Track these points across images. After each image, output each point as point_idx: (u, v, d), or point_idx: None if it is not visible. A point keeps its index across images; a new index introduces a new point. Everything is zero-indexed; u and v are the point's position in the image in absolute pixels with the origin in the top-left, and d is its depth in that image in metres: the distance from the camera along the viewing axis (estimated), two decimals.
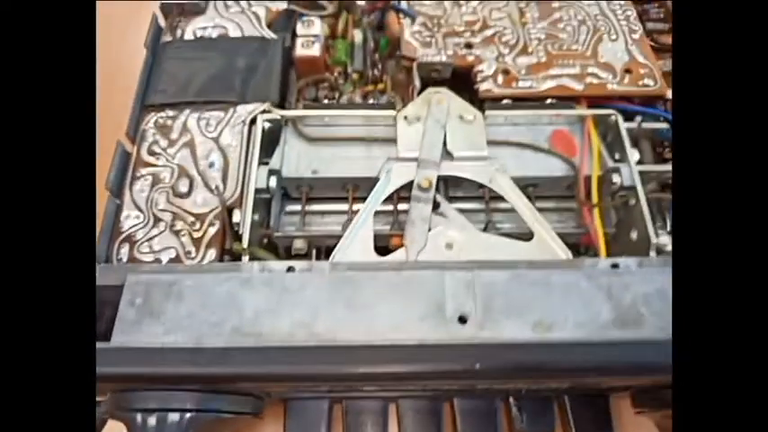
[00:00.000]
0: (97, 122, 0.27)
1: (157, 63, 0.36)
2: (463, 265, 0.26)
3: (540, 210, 0.31)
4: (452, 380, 0.25)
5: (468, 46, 0.36)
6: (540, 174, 0.32)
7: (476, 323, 0.24)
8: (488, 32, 0.36)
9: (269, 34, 0.37)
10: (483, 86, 0.34)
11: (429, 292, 0.25)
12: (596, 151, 0.31)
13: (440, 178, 0.31)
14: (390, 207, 0.31)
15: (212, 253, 0.29)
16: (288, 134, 0.33)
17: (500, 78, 0.34)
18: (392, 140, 0.32)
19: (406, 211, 0.30)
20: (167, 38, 0.37)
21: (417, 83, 0.34)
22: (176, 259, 0.28)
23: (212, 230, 0.29)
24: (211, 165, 0.31)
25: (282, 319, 0.24)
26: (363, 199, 0.31)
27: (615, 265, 0.27)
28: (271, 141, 0.32)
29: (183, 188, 0.31)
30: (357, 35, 0.39)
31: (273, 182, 0.31)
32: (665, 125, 0.33)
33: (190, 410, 0.24)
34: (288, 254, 0.31)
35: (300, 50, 0.36)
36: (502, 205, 0.32)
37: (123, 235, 0.29)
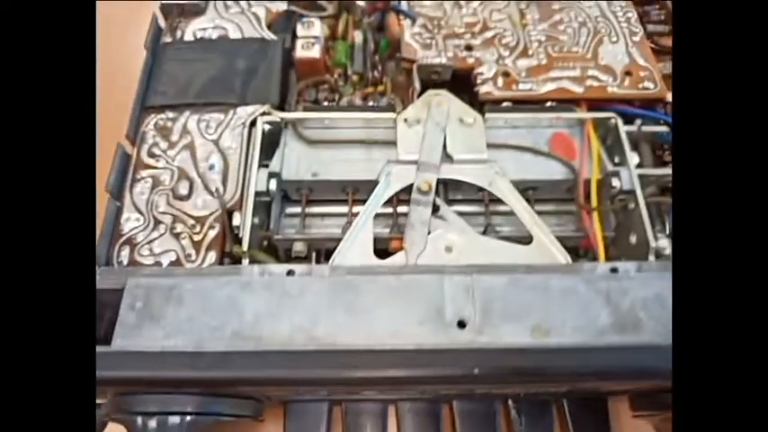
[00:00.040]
0: (97, 123, 0.27)
1: (157, 64, 0.36)
2: (462, 269, 0.26)
3: (540, 213, 0.31)
4: (451, 384, 0.25)
5: (469, 48, 0.36)
6: (539, 177, 0.32)
7: (474, 328, 0.24)
8: (489, 34, 0.36)
9: (269, 35, 0.37)
10: (483, 89, 0.34)
11: (428, 296, 0.25)
12: (596, 155, 0.31)
13: (439, 181, 0.31)
14: (390, 210, 0.31)
15: (212, 256, 0.29)
16: (288, 136, 0.33)
17: (500, 81, 0.34)
18: (392, 143, 0.32)
19: (405, 214, 0.30)
20: (167, 39, 0.37)
21: (417, 85, 0.34)
22: (176, 262, 0.28)
23: (212, 233, 0.29)
24: (211, 167, 0.31)
25: (282, 324, 0.24)
26: (363, 201, 0.31)
27: (614, 270, 0.27)
28: (271, 143, 0.32)
29: (184, 191, 0.31)
30: (357, 36, 0.39)
31: (273, 185, 0.31)
32: (664, 128, 0.33)
33: (190, 413, 0.25)
34: (288, 256, 0.32)
35: (300, 52, 0.36)
36: (501, 208, 0.32)
37: (124, 237, 0.29)
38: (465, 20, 0.37)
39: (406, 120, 0.32)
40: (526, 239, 0.30)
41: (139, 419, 0.25)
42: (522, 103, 0.34)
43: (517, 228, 0.31)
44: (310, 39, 0.36)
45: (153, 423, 0.24)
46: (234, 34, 0.37)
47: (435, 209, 0.31)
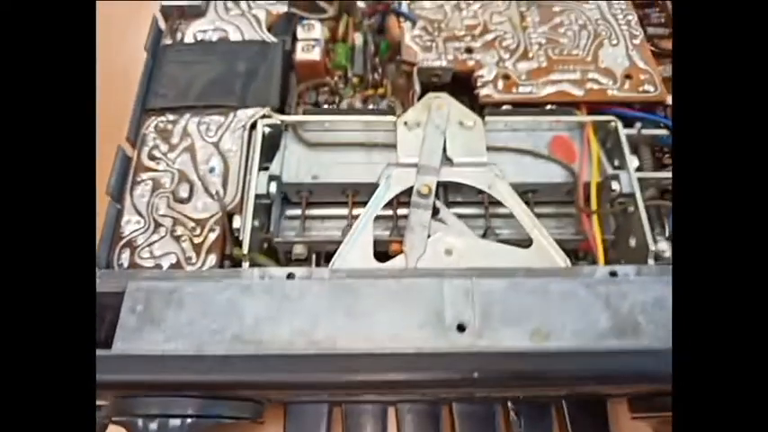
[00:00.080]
0: (97, 123, 0.27)
1: (158, 66, 0.36)
2: (462, 272, 0.26)
3: (540, 215, 0.31)
4: (451, 388, 0.26)
5: (469, 50, 0.36)
6: (539, 180, 0.32)
7: (474, 331, 0.24)
8: (489, 37, 0.36)
9: (269, 38, 0.37)
10: (483, 92, 0.34)
11: (428, 300, 0.25)
12: (596, 158, 0.31)
13: (439, 184, 0.31)
14: (390, 212, 0.31)
15: (213, 258, 0.29)
16: (288, 139, 0.33)
17: (500, 84, 0.34)
18: (392, 146, 0.32)
19: (405, 217, 0.30)
20: (167, 41, 0.37)
21: (417, 88, 0.34)
22: (177, 265, 0.29)
23: (212, 236, 0.29)
24: (212, 170, 0.32)
25: (282, 327, 0.24)
26: (363, 203, 0.31)
27: (613, 273, 0.27)
28: (271, 146, 0.33)
29: (184, 193, 0.31)
30: (357, 38, 0.39)
31: (273, 187, 0.31)
32: (664, 131, 0.33)
33: (191, 416, 0.25)
34: (288, 259, 0.32)
35: (301, 54, 0.36)
36: (501, 211, 0.32)
37: (124, 240, 0.29)
38: (465, 22, 0.37)
39: (406, 123, 0.33)
40: (526, 242, 0.30)
41: (140, 422, 0.25)
42: (522, 106, 0.34)
43: (517, 230, 0.31)
44: (310, 41, 0.36)
45: (154, 425, 0.24)
46: (234, 36, 0.37)
47: (435, 212, 0.31)
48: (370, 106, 0.36)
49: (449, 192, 0.33)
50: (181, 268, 0.28)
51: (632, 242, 0.30)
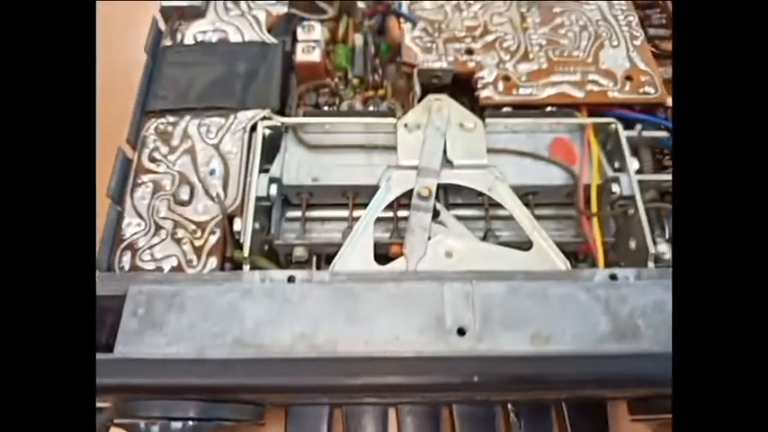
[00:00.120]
0: (97, 124, 0.27)
1: (158, 68, 0.36)
2: (462, 275, 0.26)
3: (540, 217, 0.31)
4: (451, 392, 0.26)
5: (469, 52, 0.36)
6: (539, 182, 0.32)
7: (474, 335, 0.24)
8: (489, 38, 0.36)
9: (269, 39, 0.37)
10: (483, 93, 0.34)
11: (428, 303, 0.25)
12: (596, 160, 0.31)
13: (440, 186, 0.31)
14: (390, 214, 0.32)
15: (213, 261, 0.29)
16: (288, 141, 0.33)
17: (500, 85, 0.34)
18: (392, 148, 0.32)
19: (406, 219, 0.30)
20: (167, 42, 0.37)
21: (418, 89, 0.34)
22: (178, 267, 0.29)
23: (213, 239, 0.29)
24: (212, 172, 0.32)
25: (283, 331, 0.24)
26: (363, 205, 0.31)
27: (613, 277, 0.27)
28: (271, 148, 0.33)
29: (184, 196, 0.31)
30: (358, 39, 0.39)
31: (274, 190, 0.31)
32: (665, 133, 0.33)
33: (192, 419, 0.25)
34: (288, 261, 0.32)
35: (301, 56, 0.36)
36: (501, 212, 0.32)
37: (125, 243, 0.30)
38: (466, 23, 0.37)
39: (406, 125, 0.33)
40: (526, 245, 0.30)
41: (142, 424, 0.25)
42: (522, 108, 0.34)
43: (517, 233, 0.31)
44: (311, 42, 0.36)
45: (155, 428, 0.25)
46: (234, 37, 0.37)
47: (435, 214, 0.31)
48: (371, 108, 0.36)
49: (449, 193, 0.33)
50: (182, 271, 0.28)
51: (632, 244, 0.30)
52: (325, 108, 0.37)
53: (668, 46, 0.38)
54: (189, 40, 0.37)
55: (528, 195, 0.32)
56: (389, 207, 0.31)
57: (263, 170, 0.31)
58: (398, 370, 0.24)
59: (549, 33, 0.37)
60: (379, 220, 0.30)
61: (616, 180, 0.31)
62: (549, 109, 0.34)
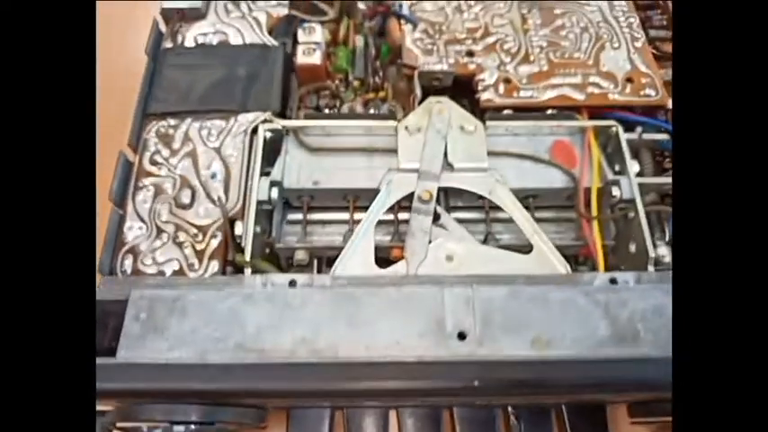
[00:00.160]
0: (98, 127, 0.27)
1: (158, 70, 0.36)
2: (463, 280, 0.26)
3: (540, 220, 0.31)
4: (451, 396, 0.26)
5: (470, 54, 0.36)
6: (540, 185, 0.32)
7: (475, 339, 0.24)
8: (490, 40, 0.36)
9: (270, 41, 0.37)
10: (484, 96, 0.34)
11: (429, 308, 0.25)
12: (596, 163, 0.32)
13: (440, 189, 0.31)
14: (391, 217, 0.32)
15: (215, 265, 0.29)
16: (289, 144, 0.33)
17: (501, 88, 0.34)
18: (393, 151, 0.32)
19: (406, 221, 0.30)
20: (168, 44, 0.37)
21: (418, 92, 0.34)
22: (180, 271, 0.29)
23: (215, 242, 0.30)
24: (213, 175, 0.32)
25: (284, 336, 0.25)
26: (364, 208, 0.31)
27: (613, 281, 0.27)
28: (272, 150, 0.33)
29: (186, 199, 0.31)
30: (358, 41, 0.38)
31: (275, 193, 0.31)
32: (665, 136, 0.33)
33: (194, 423, 0.25)
34: (289, 264, 0.32)
35: (302, 58, 0.36)
36: (502, 215, 0.32)
37: (127, 246, 0.30)
38: (466, 25, 0.37)
39: (406, 127, 0.33)
40: (526, 248, 0.30)
41: (145, 428, 0.25)
42: (523, 111, 0.34)
43: (517, 236, 0.31)
44: (311, 45, 0.36)
45: None
46: (235, 39, 0.37)
47: (436, 217, 0.31)
48: (372, 110, 0.36)
49: (450, 196, 0.33)
50: (183, 275, 0.29)
51: (632, 248, 0.30)
52: (326, 110, 0.37)
53: (669, 48, 0.38)
54: (189, 42, 0.37)
55: (528, 198, 0.32)
56: (390, 210, 0.31)
57: (264, 173, 0.31)
58: (399, 375, 0.24)
59: (550, 35, 0.37)
60: (380, 223, 0.30)
61: (616, 183, 0.31)
62: (549, 111, 0.34)
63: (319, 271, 0.32)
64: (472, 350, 0.24)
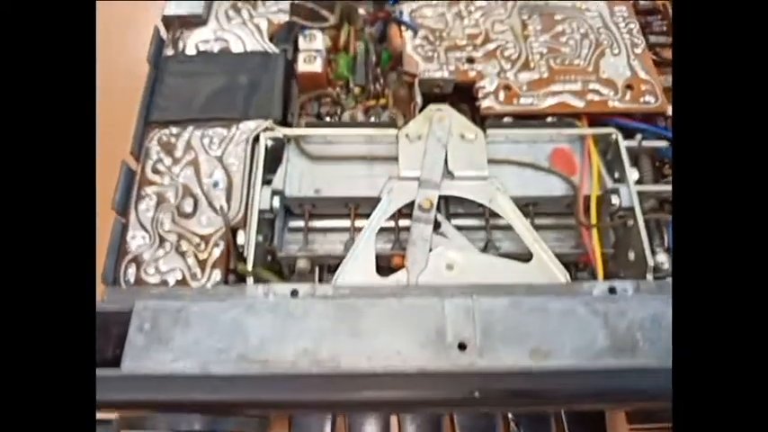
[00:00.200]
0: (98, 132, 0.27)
1: (160, 78, 0.36)
2: (463, 290, 0.27)
3: (540, 227, 0.31)
4: (452, 407, 0.26)
5: (471, 60, 0.36)
6: (539, 193, 0.32)
7: (475, 350, 0.25)
8: (490, 46, 0.36)
9: (270, 48, 0.37)
10: (485, 103, 0.34)
11: (429, 319, 0.25)
12: (596, 172, 0.32)
13: (441, 196, 0.31)
14: (392, 224, 0.32)
15: (217, 274, 0.29)
16: (290, 152, 0.33)
17: (501, 95, 0.34)
18: (394, 158, 0.32)
19: (407, 228, 0.31)
20: (169, 51, 0.37)
21: (419, 99, 0.35)
22: (182, 281, 0.29)
23: (217, 252, 0.30)
24: (215, 184, 0.32)
25: (287, 347, 0.25)
26: (365, 215, 0.31)
27: (612, 290, 0.27)
28: (274, 159, 0.33)
29: (188, 208, 0.31)
30: (359, 46, 0.39)
31: (277, 202, 0.31)
32: (665, 143, 0.33)
33: None
34: (291, 271, 0.32)
35: (302, 66, 0.36)
36: (502, 222, 0.32)
37: (130, 256, 0.30)
38: (467, 31, 0.37)
39: (407, 135, 0.33)
40: (526, 256, 0.30)
41: None
42: (523, 118, 0.34)
43: (517, 243, 0.31)
44: (312, 52, 0.36)
45: None
46: (236, 46, 0.37)
47: (437, 225, 0.31)
48: (372, 118, 0.37)
49: (450, 203, 0.33)
50: (186, 284, 0.29)
51: (631, 256, 0.30)
52: (327, 118, 0.37)
53: (669, 54, 0.38)
54: (191, 49, 0.37)
55: (528, 206, 0.32)
56: (391, 218, 0.31)
57: (265, 182, 0.32)
58: (400, 385, 0.24)
59: (551, 41, 0.37)
60: (380, 230, 0.31)
61: (616, 191, 0.31)
62: (549, 119, 0.34)
63: (321, 279, 0.32)
64: (472, 361, 0.24)
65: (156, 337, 0.25)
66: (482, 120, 0.34)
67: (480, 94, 0.34)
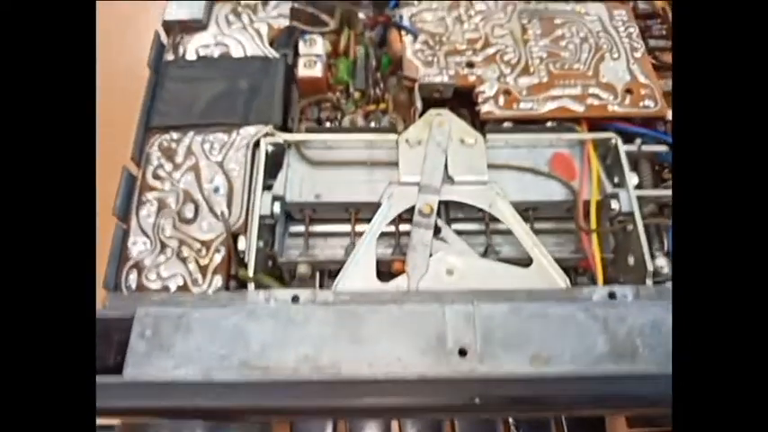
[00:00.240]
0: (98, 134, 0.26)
1: (160, 83, 0.36)
2: (463, 296, 0.27)
3: (540, 232, 0.31)
4: (453, 412, 0.26)
5: (470, 65, 0.36)
6: (539, 198, 0.32)
7: (475, 356, 0.25)
8: (490, 51, 0.37)
9: (271, 53, 0.37)
10: (484, 108, 0.34)
11: (430, 325, 0.26)
12: (595, 176, 0.32)
13: (441, 201, 0.31)
14: (392, 229, 0.32)
15: (219, 279, 0.29)
16: (291, 157, 0.33)
17: (501, 99, 0.34)
18: (394, 164, 0.32)
19: (407, 233, 0.31)
20: (170, 56, 0.37)
21: (419, 104, 0.35)
22: (184, 286, 0.29)
23: (218, 257, 0.30)
24: (216, 189, 0.32)
25: (288, 353, 0.25)
26: (366, 220, 0.31)
27: (612, 295, 0.27)
28: (274, 164, 0.33)
29: (189, 213, 0.31)
30: (359, 51, 0.39)
31: (277, 207, 0.31)
32: (664, 148, 0.33)
33: None
34: (292, 276, 0.32)
35: (303, 71, 0.36)
36: (502, 227, 0.32)
37: (131, 261, 0.30)
38: (467, 36, 0.37)
39: (407, 140, 0.33)
40: (526, 261, 0.30)
41: None
42: (523, 122, 0.34)
43: (517, 248, 0.31)
44: (312, 57, 0.36)
45: None
46: (236, 51, 0.37)
47: (437, 230, 0.31)
48: (372, 122, 0.37)
49: (450, 208, 0.33)
50: (188, 290, 0.29)
51: (631, 260, 0.30)
52: (327, 123, 0.37)
53: (669, 58, 0.38)
54: (191, 54, 0.37)
55: (528, 211, 0.32)
56: (391, 223, 0.31)
57: (266, 187, 0.32)
58: (401, 392, 0.24)
59: (550, 45, 0.37)
60: (381, 235, 0.31)
61: (615, 196, 0.31)
62: (549, 124, 0.34)
63: (322, 284, 0.32)
64: (473, 367, 0.25)
65: (158, 344, 0.25)
66: (482, 124, 0.34)
67: (480, 99, 0.35)
